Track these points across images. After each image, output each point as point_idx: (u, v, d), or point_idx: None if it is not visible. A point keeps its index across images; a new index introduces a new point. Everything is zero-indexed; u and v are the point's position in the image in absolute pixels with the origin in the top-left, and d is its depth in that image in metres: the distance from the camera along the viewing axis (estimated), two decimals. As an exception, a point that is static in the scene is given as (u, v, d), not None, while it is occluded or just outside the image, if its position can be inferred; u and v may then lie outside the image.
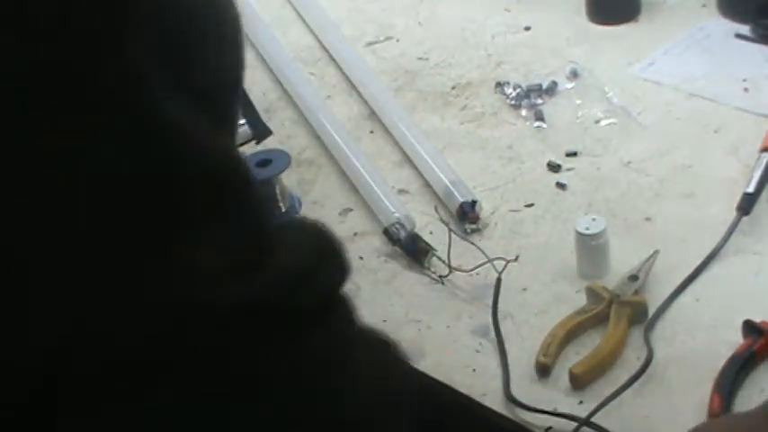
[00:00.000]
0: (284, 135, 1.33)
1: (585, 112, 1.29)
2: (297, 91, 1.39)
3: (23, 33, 0.45)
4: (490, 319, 1.01)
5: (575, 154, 1.23)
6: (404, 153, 1.27)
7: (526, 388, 0.95)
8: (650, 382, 0.93)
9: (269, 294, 0.50)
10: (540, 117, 1.29)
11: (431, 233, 1.13)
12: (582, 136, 1.26)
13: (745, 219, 1.08)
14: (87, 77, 0.46)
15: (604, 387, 0.93)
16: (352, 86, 1.40)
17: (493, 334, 1.00)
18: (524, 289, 1.06)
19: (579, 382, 0.94)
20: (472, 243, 1.08)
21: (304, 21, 1.57)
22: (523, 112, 1.31)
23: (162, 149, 0.48)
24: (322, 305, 0.53)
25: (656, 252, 1.05)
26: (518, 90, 1.33)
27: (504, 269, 1.03)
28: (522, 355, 0.98)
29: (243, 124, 1.17)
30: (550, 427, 0.91)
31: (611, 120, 1.28)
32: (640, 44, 1.40)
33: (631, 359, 0.96)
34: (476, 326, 1.02)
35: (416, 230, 1.13)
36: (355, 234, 1.16)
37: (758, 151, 1.14)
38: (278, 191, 1.14)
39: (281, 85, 1.43)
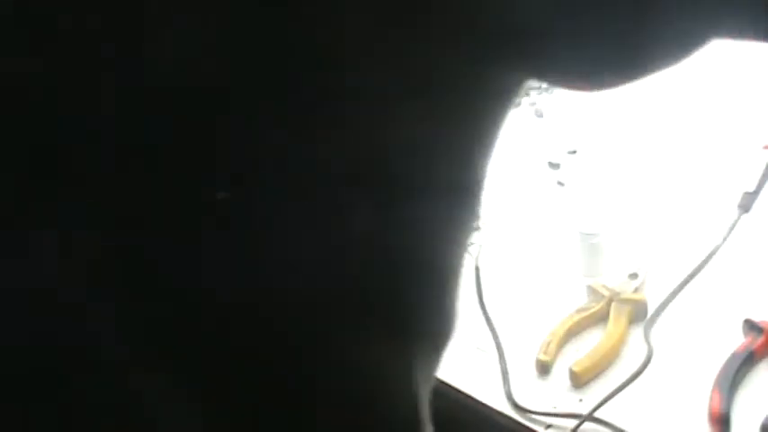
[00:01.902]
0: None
1: (586, 110, 1.29)
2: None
3: None
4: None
5: (575, 152, 1.23)
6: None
7: (526, 386, 0.95)
8: (650, 379, 0.93)
9: None
10: (539, 115, 1.29)
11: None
12: (582, 134, 1.26)
13: (745, 217, 1.08)
14: None
15: (604, 385, 0.93)
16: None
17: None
18: (524, 287, 1.06)
19: (579, 380, 0.94)
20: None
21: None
22: (523, 110, 1.31)
23: None
24: None
25: (657, 250, 1.05)
26: (518, 88, 1.33)
27: (478, 255, 1.04)
28: (522, 354, 0.98)
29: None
30: (551, 425, 0.91)
31: (612, 117, 1.27)
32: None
33: (631, 357, 0.96)
34: (475, 324, 1.02)
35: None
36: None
37: (759, 150, 1.14)
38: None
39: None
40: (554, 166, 1.21)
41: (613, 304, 0.99)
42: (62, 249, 0.46)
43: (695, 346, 0.96)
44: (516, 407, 0.93)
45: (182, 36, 0.44)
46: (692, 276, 1.03)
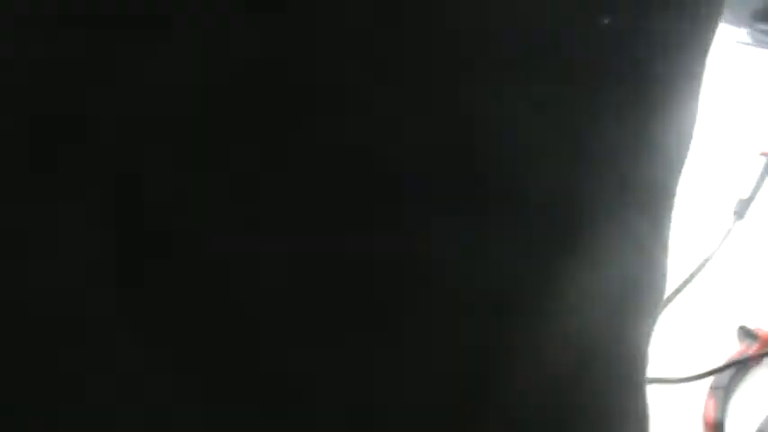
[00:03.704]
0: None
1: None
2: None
3: None
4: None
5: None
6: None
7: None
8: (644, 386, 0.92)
9: None
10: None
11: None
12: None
13: (739, 224, 1.08)
14: None
15: (598, 392, 0.93)
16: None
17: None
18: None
19: (573, 387, 0.93)
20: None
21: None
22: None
23: None
24: None
25: (651, 257, 1.05)
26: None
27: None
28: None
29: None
30: None
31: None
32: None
33: (625, 364, 0.95)
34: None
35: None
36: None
37: (754, 156, 1.14)
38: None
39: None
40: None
41: (608, 311, 0.99)
42: None
43: (690, 353, 0.96)
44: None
45: None
46: (686, 283, 1.03)
